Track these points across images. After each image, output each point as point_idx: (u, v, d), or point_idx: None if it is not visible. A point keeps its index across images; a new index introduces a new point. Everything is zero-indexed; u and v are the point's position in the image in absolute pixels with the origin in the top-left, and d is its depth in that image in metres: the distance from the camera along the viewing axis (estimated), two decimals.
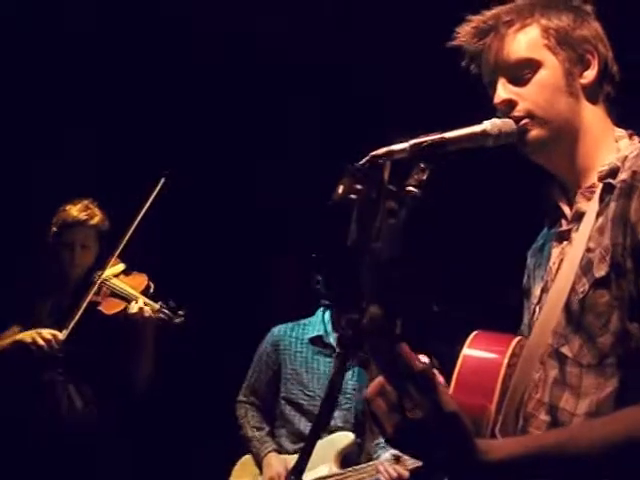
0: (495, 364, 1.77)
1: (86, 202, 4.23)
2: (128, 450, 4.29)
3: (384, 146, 1.64)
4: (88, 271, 4.22)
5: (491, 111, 1.80)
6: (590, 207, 1.74)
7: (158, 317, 4.10)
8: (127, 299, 4.16)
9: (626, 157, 1.73)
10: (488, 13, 1.83)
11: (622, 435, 1.53)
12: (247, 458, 4.40)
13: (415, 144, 1.63)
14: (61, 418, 4.06)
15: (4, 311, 4.10)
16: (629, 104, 1.88)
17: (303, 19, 4.86)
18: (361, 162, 1.60)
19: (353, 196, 1.57)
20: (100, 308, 4.17)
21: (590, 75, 1.80)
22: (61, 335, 4.00)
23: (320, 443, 4.02)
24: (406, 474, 3.82)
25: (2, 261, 4.67)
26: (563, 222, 1.83)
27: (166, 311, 4.11)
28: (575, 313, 1.69)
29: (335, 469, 4.11)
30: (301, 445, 4.18)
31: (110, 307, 4.17)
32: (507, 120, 1.76)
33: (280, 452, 4.28)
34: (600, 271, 1.66)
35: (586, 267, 1.69)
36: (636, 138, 1.82)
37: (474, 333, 1.84)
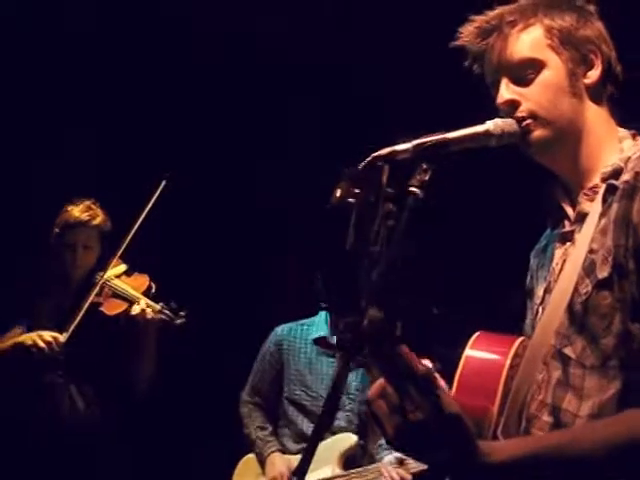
0: (497, 365, 1.77)
1: (88, 203, 4.23)
2: (130, 451, 4.30)
3: (385, 146, 1.63)
4: (90, 272, 4.22)
5: (492, 111, 1.80)
6: (593, 208, 1.73)
7: (159, 318, 4.10)
8: (129, 300, 4.16)
9: (629, 158, 1.73)
10: (491, 13, 1.82)
11: (624, 437, 1.54)
12: (249, 457, 4.41)
13: (418, 144, 1.62)
14: (63, 419, 4.06)
15: (6, 311, 4.10)
16: (632, 104, 1.88)
17: (303, 19, 4.86)
18: (363, 163, 1.60)
19: (351, 200, 1.56)
20: (102, 309, 4.17)
21: (593, 75, 1.79)
22: (62, 337, 4.00)
23: (323, 444, 4.05)
24: (409, 477, 3.81)
25: (3, 261, 4.67)
26: (566, 223, 1.82)
27: (167, 312, 4.11)
28: (578, 314, 1.69)
29: (338, 471, 4.11)
30: (304, 445, 4.20)
31: (112, 308, 4.17)
32: (510, 120, 1.75)
33: (284, 452, 4.28)
34: (603, 272, 1.66)
35: (589, 268, 1.69)
36: (639, 138, 1.82)
37: (476, 334, 1.84)
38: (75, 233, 4.18)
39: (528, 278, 1.96)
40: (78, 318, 4.04)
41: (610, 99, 1.82)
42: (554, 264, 1.81)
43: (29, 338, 3.99)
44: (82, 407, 4.12)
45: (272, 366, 4.43)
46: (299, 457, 4.01)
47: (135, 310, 4.10)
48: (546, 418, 1.70)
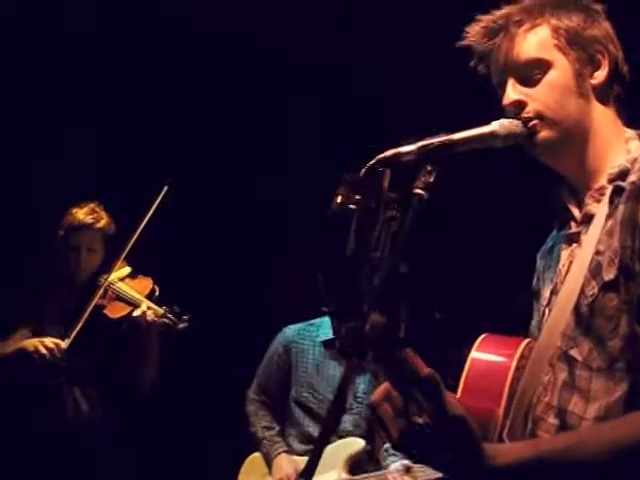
0: (503, 367, 1.76)
1: (92, 205, 4.24)
2: (134, 452, 4.30)
3: (386, 147, 1.63)
4: (94, 274, 4.23)
5: (494, 111, 1.79)
6: (600, 209, 1.72)
7: (162, 322, 4.11)
8: (132, 303, 4.16)
9: (636, 159, 1.72)
10: (498, 13, 1.81)
11: (631, 439, 1.53)
12: (255, 456, 4.40)
13: (423, 146, 1.62)
14: (67, 421, 4.06)
15: (11, 313, 4.11)
16: (639, 104, 1.87)
17: (303, 19, 4.86)
18: (365, 168, 1.60)
19: (352, 206, 1.56)
20: (105, 312, 4.18)
21: (600, 76, 1.78)
22: (63, 344, 4.01)
23: (330, 448, 4.05)
24: None
25: (7, 263, 4.67)
26: (572, 224, 1.81)
27: (170, 316, 4.11)
28: (584, 316, 1.68)
29: (344, 475, 4.11)
30: (309, 447, 4.20)
31: (115, 311, 4.18)
32: (515, 121, 1.74)
33: (290, 452, 4.28)
34: (609, 274, 1.65)
35: (595, 270, 1.68)
36: None
37: (482, 336, 1.83)
38: (79, 236, 4.19)
39: (534, 279, 1.95)
40: (80, 323, 4.04)
41: (617, 100, 1.82)
42: (560, 265, 1.81)
43: (31, 344, 4.00)
44: (86, 409, 4.13)
45: (280, 367, 4.43)
46: (305, 458, 4.01)
47: (138, 313, 4.10)
48: (552, 420, 1.70)
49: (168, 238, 4.90)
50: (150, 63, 5.15)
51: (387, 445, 4.12)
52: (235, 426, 4.60)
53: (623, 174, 1.71)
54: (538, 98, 1.76)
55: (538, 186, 1.95)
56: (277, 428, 4.38)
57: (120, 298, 4.21)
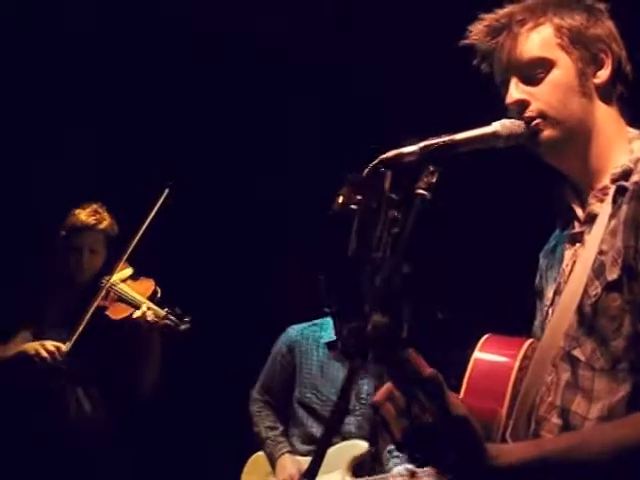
0: (506, 368, 1.76)
1: (95, 206, 4.24)
2: (136, 453, 4.30)
3: (386, 147, 1.63)
4: (96, 275, 4.23)
5: (494, 111, 1.78)
6: (603, 209, 1.72)
7: (164, 323, 4.11)
8: (134, 305, 4.16)
9: (639, 159, 1.72)
10: (501, 12, 1.81)
11: (634, 439, 1.53)
12: (259, 455, 4.41)
13: (425, 146, 1.61)
14: (70, 421, 4.06)
15: (12, 315, 4.11)
16: None
17: (303, 19, 4.86)
18: (370, 165, 1.59)
19: (353, 206, 1.56)
20: (107, 313, 4.18)
21: (603, 75, 1.78)
22: (64, 347, 4.01)
23: (334, 449, 4.06)
24: None
25: (7, 263, 4.67)
26: (576, 224, 1.81)
27: (172, 318, 4.11)
28: (587, 316, 1.68)
29: (347, 477, 4.12)
30: (312, 447, 4.20)
31: (117, 312, 4.18)
32: (517, 121, 1.74)
33: (293, 452, 4.28)
34: (612, 274, 1.65)
35: (598, 270, 1.68)
36: None
37: (485, 336, 1.83)
38: (82, 237, 4.19)
39: (537, 279, 1.95)
40: (82, 326, 4.04)
41: (620, 99, 1.81)
42: (564, 265, 1.81)
43: (32, 347, 4.00)
44: (89, 409, 4.13)
45: (283, 367, 4.43)
46: (309, 459, 4.02)
47: (140, 315, 4.10)
48: (555, 420, 1.70)
49: (169, 239, 4.89)
50: (150, 63, 5.15)
51: (390, 447, 4.13)
52: (236, 427, 4.60)
53: (626, 174, 1.71)
54: (541, 97, 1.75)
55: (540, 186, 1.95)
56: (281, 428, 4.39)
57: (122, 299, 4.21)
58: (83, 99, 5.12)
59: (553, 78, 1.76)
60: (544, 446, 1.58)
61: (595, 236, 1.71)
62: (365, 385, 4.22)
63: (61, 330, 4.11)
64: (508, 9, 1.81)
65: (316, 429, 4.24)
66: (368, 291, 1.47)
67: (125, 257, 4.22)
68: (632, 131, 1.81)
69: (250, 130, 5.38)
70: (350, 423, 4.21)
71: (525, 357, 1.78)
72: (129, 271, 4.31)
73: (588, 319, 1.68)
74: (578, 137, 1.77)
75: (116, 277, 4.23)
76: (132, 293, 4.21)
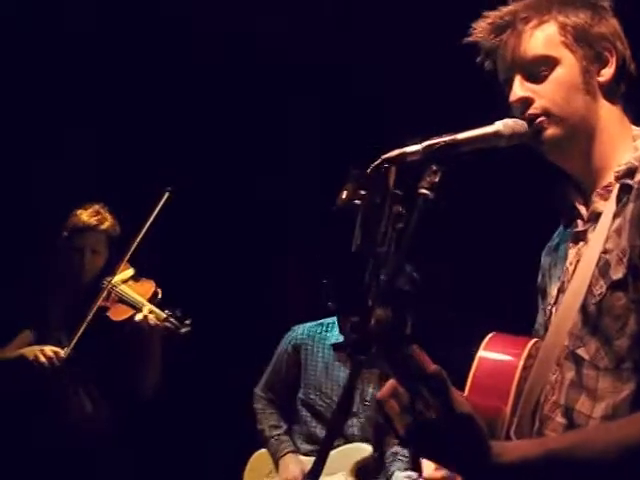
0: (511, 366, 1.76)
1: (97, 207, 4.24)
2: (137, 454, 4.30)
3: (387, 147, 1.62)
4: (98, 276, 4.23)
5: (494, 111, 1.78)
6: (607, 207, 1.72)
7: (164, 326, 4.10)
8: (135, 307, 4.16)
9: None
10: (504, 9, 1.81)
11: (638, 438, 1.53)
12: (262, 452, 4.41)
13: (428, 146, 1.61)
14: (71, 422, 4.06)
15: (13, 315, 4.11)
16: None
17: (303, 19, 4.86)
18: (373, 165, 1.59)
19: (357, 201, 1.56)
20: (108, 314, 4.17)
21: (607, 73, 1.78)
22: (63, 353, 4.01)
23: (338, 451, 4.06)
24: None
25: (7, 264, 4.66)
26: (579, 222, 1.81)
27: (173, 320, 4.10)
28: (592, 315, 1.67)
29: (350, 479, 4.12)
30: (315, 447, 4.21)
31: (118, 314, 4.17)
32: (520, 121, 1.74)
33: (297, 452, 4.28)
34: (617, 273, 1.65)
35: (603, 269, 1.68)
36: None
37: (490, 335, 1.84)
38: (83, 237, 4.18)
39: (540, 277, 1.94)
40: (83, 327, 4.03)
41: (624, 97, 1.81)
42: (567, 264, 1.80)
43: (31, 352, 4.00)
44: (90, 409, 4.13)
45: (288, 367, 4.42)
46: (312, 459, 4.03)
47: (140, 317, 4.10)
48: (559, 419, 1.69)
49: (170, 239, 4.89)
50: (150, 63, 5.15)
51: (393, 450, 4.13)
52: (236, 426, 4.60)
53: (631, 172, 1.70)
54: (545, 95, 1.75)
55: (543, 184, 1.95)
56: (284, 427, 4.39)
57: (123, 301, 4.20)
58: (83, 99, 5.12)
59: (557, 76, 1.75)
60: (547, 444, 1.58)
61: (599, 234, 1.71)
62: (370, 388, 4.21)
63: (63, 330, 4.11)
64: (512, 6, 1.81)
65: (319, 429, 4.24)
66: (372, 286, 1.47)
67: (126, 258, 4.22)
68: (636, 129, 1.80)
69: (250, 130, 5.38)
70: (353, 425, 4.20)
71: (529, 356, 1.78)
72: (130, 272, 4.30)
73: (592, 318, 1.67)
74: (581, 135, 1.76)
75: (117, 278, 4.23)
76: (133, 294, 4.21)
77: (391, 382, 1.53)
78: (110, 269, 4.23)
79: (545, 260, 1.94)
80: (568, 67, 1.76)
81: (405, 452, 4.14)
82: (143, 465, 4.47)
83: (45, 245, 4.30)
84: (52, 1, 4.91)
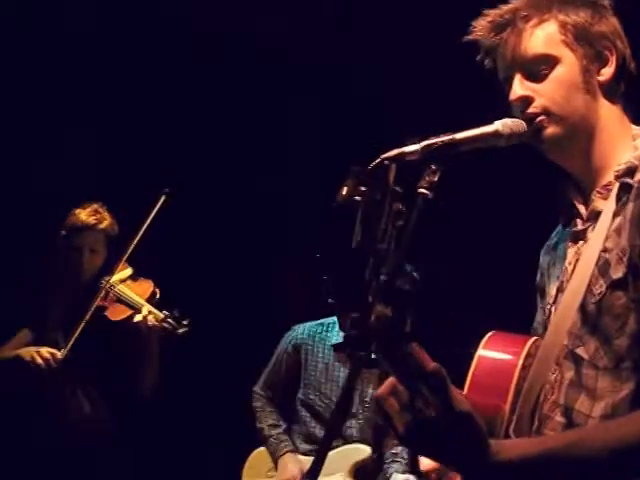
0: (510, 365, 1.77)
1: (96, 206, 4.23)
2: (135, 454, 4.30)
3: (387, 147, 1.62)
4: (96, 275, 4.22)
5: (494, 110, 1.78)
6: (607, 206, 1.72)
7: (162, 326, 4.10)
8: (133, 307, 4.16)
9: None
10: (505, 7, 1.81)
11: (637, 437, 1.53)
12: (261, 450, 4.41)
13: (427, 145, 1.61)
14: (69, 421, 4.06)
15: (12, 314, 4.11)
16: None
17: (303, 19, 4.86)
18: (373, 164, 1.59)
19: (357, 198, 1.56)
20: (106, 313, 4.17)
21: (607, 72, 1.78)
22: (59, 354, 4.00)
23: (337, 452, 4.06)
24: None
25: (7, 264, 4.66)
26: (578, 221, 1.81)
27: (170, 321, 4.10)
28: (591, 314, 1.68)
29: None
30: (314, 447, 4.22)
31: (116, 313, 4.17)
32: (518, 120, 1.74)
33: (295, 451, 4.29)
34: (617, 272, 1.65)
35: (603, 268, 1.68)
36: None
37: (489, 334, 1.84)
38: (82, 236, 4.18)
39: (538, 276, 1.95)
40: (81, 326, 4.03)
41: (624, 96, 1.81)
42: (566, 263, 1.80)
43: (27, 353, 4.00)
44: (88, 409, 4.13)
45: (288, 366, 4.42)
46: (311, 458, 4.03)
47: (139, 318, 4.10)
48: (559, 418, 1.70)
49: (169, 238, 4.89)
50: (150, 63, 5.15)
51: (392, 451, 4.13)
52: (236, 426, 4.60)
53: (630, 171, 1.70)
54: (545, 94, 1.75)
55: (542, 184, 1.95)
56: (283, 426, 4.39)
57: (121, 301, 4.20)
58: (83, 99, 5.12)
59: (557, 75, 1.75)
60: (546, 442, 1.58)
61: (599, 233, 1.71)
62: (370, 389, 4.20)
63: (62, 329, 4.11)
64: (512, 5, 1.81)
65: (318, 429, 4.24)
66: (372, 283, 1.47)
67: (124, 258, 4.22)
68: (636, 128, 1.80)
69: (250, 130, 5.38)
70: (352, 427, 4.20)
71: (529, 355, 1.78)
72: (129, 271, 4.30)
73: (592, 317, 1.68)
74: (581, 134, 1.76)
75: (116, 278, 4.23)
76: (131, 294, 4.21)
77: (390, 380, 1.52)
78: (108, 268, 4.23)
79: (544, 259, 1.94)
80: (568, 66, 1.76)
81: (404, 454, 4.14)
82: (142, 464, 4.47)
83: (45, 245, 4.30)
84: (52, 1, 4.91)
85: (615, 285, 1.65)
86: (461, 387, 1.73)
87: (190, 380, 5.16)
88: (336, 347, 4.27)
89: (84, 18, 4.97)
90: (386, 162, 1.58)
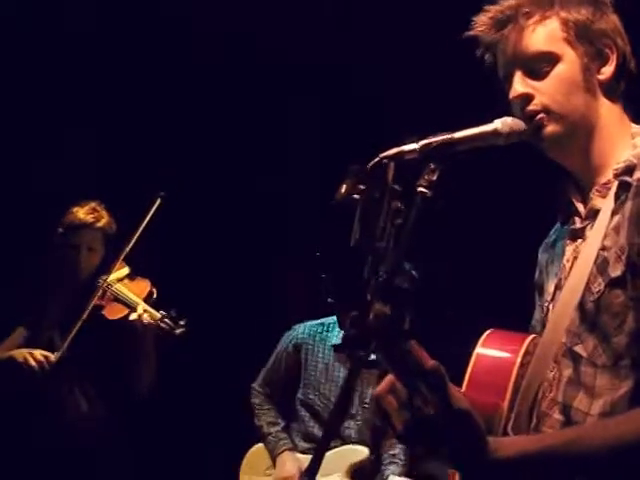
0: (508, 363, 1.77)
1: (93, 204, 4.23)
2: (135, 452, 4.30)
3: (387, 146, 1.63)
4: (94, 274, 4.22)
5: (494, 110, 1.78)
6: (605, 204, 1.72)
7: (159, 326, 4.10)
8: (130, 306, 4.16)
9: None
10: (506, 3, 1.80)
11: (636, 435, 1.53)
12: (257, 448, 4.41)
13: (425, 144, 1.61)
14: (67, 420, 4.06)
15: (11, 313, 4.10)
16: None
17: (303, 19, 4.86)
18: (371, 163, 1.59)
19: (356, 196, 1.56)
20: (103, 312, 4.17)
21: (608, 71, 1.77)
22: (53, 357, 3.99)
23: (334, 452, 4.07)
24: None
25: (7, 263, 4.67)
26: (577, 219, 1.81)
27: (167, 321, 4.09)
28: (590, 312, 1.68)
29: None
30: (312, 445, 4.21)
31: (113, 312, 4.17)
32: (517, 120, 1.73)
33: (294, 449, 4.29)
34: (616, 271, 1.65)
35: (601, 266, 1.68)
36: None
37: (488, 332, 1.84)
38: (79, 235, 4.17)
39: (537, 273, 1.95)
40: (78, 325, 4.02)
41: (624, 94, 1.81)
42: (565, 261, 1.80)
43: (21, 355, 3.98)
44: (86, 408, 4.13)
45: (288, 365, 4.42)
46: (309, 457, 4.03)
47: (135, 317, 4.09)
48: (557, 416, 1.70)
49: (167, 237, 4.89)
50: (150, 63, 5.15)
51: (390, 452, 4.13)
52: (235, 425, 4.60)
53: (629, 169, 1.70)
54: (546, 92, 1.75)
55: (540, 181, 1.95)
56: (282, 424, 4.39)
57: (118, 300, 4.20)
58: (83, 99, 5.12)
59: (558, 73, 1.75)
60: (544, 440, 1.59)
61: (597, 232, 1.71)
62: (369, 390, 4.20)
63: (56, 329, 4.11)
64: (514, 1, 1.79)
65: (317, 429, 4.24)
66: (371, 281, 1.47)
67: (122, 257, 4.22)
68: (635, 127, 1.80)
69: (250, 130, 5.38)
70: (351, 427, 4.20)
71: (527, 353, 1.78)
72: (126, 270, 4.29)
73: (590, 315, 1.68)
74: (581, 133, 1.76)
75: (113, 276, 4.21)
76: (128, 293, 4.20)
77: (389, 378, 1.53)
78: (106, 267, 4.22)
79: (542, 257, 1.94)
80: (569, 64, 1.76)
81: (402, 456, 4.14)
82: (141, 462, 4.46)
83: (44, 244, 4.30)
84: (52, 1, 4.91)
85: (614, 283, 1.65)
86: (459, 385, 1.73)
87: (190, 379, 5.17)
88: (336, 348, 4.28)
89: (84, 18, 4.97)
90: (385, 161, 1.59)
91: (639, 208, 1.65)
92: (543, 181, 1.93)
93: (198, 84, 5.21)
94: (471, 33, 1.83)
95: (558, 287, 1.80)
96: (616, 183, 1.71)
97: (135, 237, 4.16)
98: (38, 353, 3.99)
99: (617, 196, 1.70)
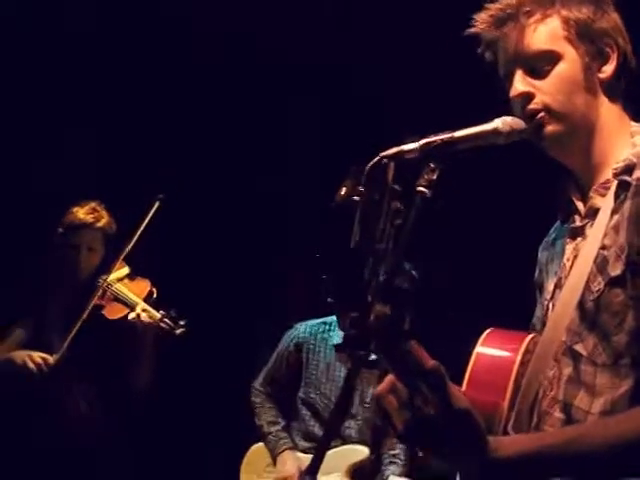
0: (508, 362, 1.77)
1: (93, 204, 4.23)
2: (135, 452, 4.30)
3: (387, 146, 1.63)
4: (94, 274, 4.22)
5: (493, 109, 1.78)
6: (605, 203, 1.72)
7: (159, 326, 4.10)
8: (129, 306, 4.16)
9: None
10: (507, 2, 1.79)
11: (636, 433, 1.53)
12: (257, 447, 4.41)
13: (425, 143, 1.61)
14: (67, 420, 4.06)
15: (11, 313, 4.11)
16: None
17: (303, 19, 4.86)
18: (371, 162, 1.59)
19: (356, 197, 1.56)
20: (103, 312, 4.17)
21: (608, 70, 1.77)
22: (51, 360, 3.99)
23: (335, 451, 4.07)
24: None
25: (7, 263, 4.67)
26: (576, 218, 1.81)
27: (167, 321, 4.09)
28: (589, 311, 1.68)
29: None
30: (312, 444, 4.21)
31: (113, 312, 4.17)
32: (517, 119, 1.73)
33: (294, 448, 4.29)
34: (615, 270, 1.65)
35: (601, 265, 1.68)
36: None
37: (487, 331, 1.84)
38: (80, 235, 4.18)
39: (537, 272, 1.95)
40: (78, 325, 4.02)
41: (624, 93, 1.81)
42: (565, 259, 1.80)
43: (19, 357, 3.99)
44: (85, 408, 4.13)
45: (289, 365, 4.42)
46: (309, 456, 4.03)
47: (134, 317, 4.09)
48: (558, 415, 1.70)
49: (167, 237, 4.89)
50: (150, 63, 5.15)
51: (391, 452, 4.13)
52: (235, 424, 4.60)
53: (629, 169, 1.70)
54: (547, 90, 1.75)
55: (540, 180, 1.95)
56: (282, 423, 4.39)
57: (118, 299, 4.20)
58: (83, 99, 5.12)
59: (559, 71, 1.75)
60: (545, 439, 1.59)
61: (597, 230, 1.71)
62: (370, 390, 4.19)
63: (56, 330, 4.11)
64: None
65: (318, 428, 4.24)
66: (371, 282, 1.47)
67: (122, 257, 4.22)
68: (636, 126, 1.80)
69: (250, 130, 5.38)
70: (351, 427, 4.20)
71: (527, 351, 1.78)
72: (126, 270, 4.30)
73: (590, 314, 1.68)
74: (581, 132, 1.76)
75: (113, 276, 4.22)
76: (128, 293, 4.20)
77: (389, 378, 1.53)
78: (106, 267, 4.23)
79: (542, 255, 1.94)
80: (570, 63, 1.75)
81: (402, 456, 4.14)
82: (141, 462, 4.46)
83: (44, 244, 4.30)
84: (52, 1, 4.91)
85: (613, 282, 1.65)
86: (460, 384, 1.73)
87: (190, 379, 5.17)
88: (337, 347, 4.28)
89: (84, 18, 4.97)
90: (385, 160, 1.59)
91: (638, 208, 1.64)
92: (543, 180, 1.93)
93: (198, 84, 5.21)
94: (472, 31, 1.82)
95: (558, 286, 1.80)
96: (615, 182, 1.71)
97: (135, 237, 4.16)
98: (37, 356, 3.99)
99: (617, 195, 1.70)
